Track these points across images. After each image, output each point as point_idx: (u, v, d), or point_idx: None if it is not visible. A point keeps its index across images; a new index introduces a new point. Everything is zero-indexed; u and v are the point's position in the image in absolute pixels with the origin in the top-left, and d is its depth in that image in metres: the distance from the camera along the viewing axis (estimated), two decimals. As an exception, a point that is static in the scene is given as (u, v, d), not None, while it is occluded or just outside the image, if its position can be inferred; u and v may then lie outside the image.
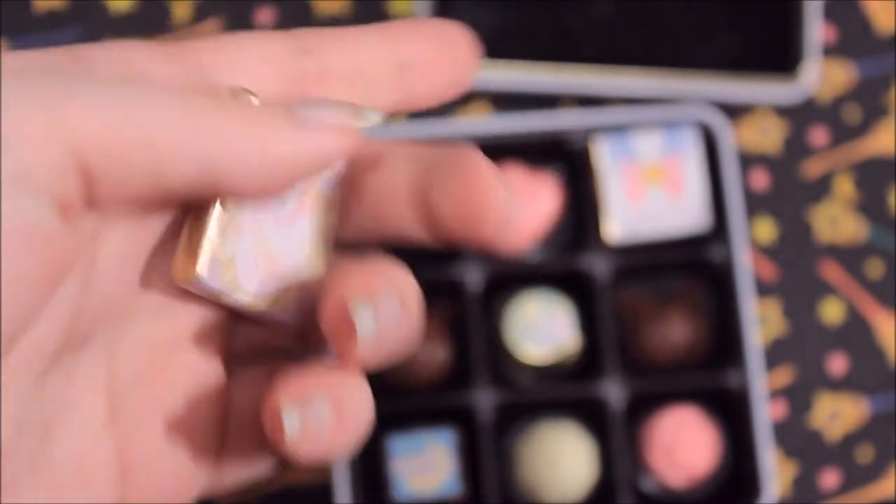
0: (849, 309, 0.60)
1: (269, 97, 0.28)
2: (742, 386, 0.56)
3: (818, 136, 0.60)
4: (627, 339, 0.58)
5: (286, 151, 0.26)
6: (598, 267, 0.56)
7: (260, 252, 0.28)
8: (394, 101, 0.29)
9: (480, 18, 0.58)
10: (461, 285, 0.56)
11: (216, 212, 0.27)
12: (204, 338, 0.29)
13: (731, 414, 0.57)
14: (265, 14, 0.62)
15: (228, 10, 0.62)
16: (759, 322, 0.59)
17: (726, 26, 0.58)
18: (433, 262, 0.57)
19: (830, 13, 0.61)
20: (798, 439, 0.59)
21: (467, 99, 0.59)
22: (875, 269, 0.60)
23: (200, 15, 0.62)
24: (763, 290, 0.59)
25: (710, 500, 0.57)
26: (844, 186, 0.60)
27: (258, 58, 0.28)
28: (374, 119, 0.28)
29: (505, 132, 0.57)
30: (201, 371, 0.29)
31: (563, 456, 0.56)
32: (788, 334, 0.59)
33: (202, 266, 0.27)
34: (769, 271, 0.60)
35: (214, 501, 0.58)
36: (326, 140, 0.27)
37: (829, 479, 0.59)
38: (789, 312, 0.59)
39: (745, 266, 0.56)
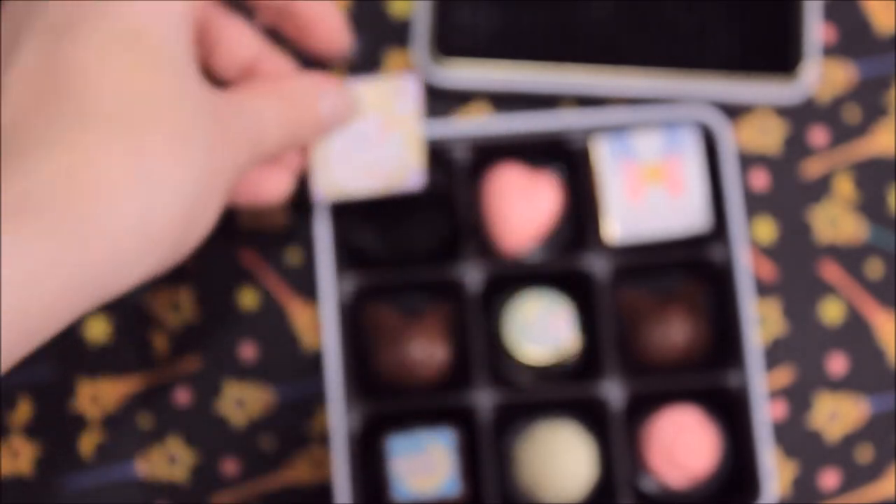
0: (849, 309, 0.60)
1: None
2: (742, 386, 0.56)
3: (818, 136, 0.60)
4: (627, 339, 0.58)
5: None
6: (598, 267, 0.56)
7: (359, 166, 0.51)
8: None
9: (480, 18, 0.58)
10: (461, 286, 0.56)
11: (313, 157, 0.51)
12: None
13: (731, 414, 0.57)
14: (265, 14, 0.62)
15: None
16: (759, 322, 0.59)
17: (726, 26, 0.58)
18: (433, 263, 0.57)
19: (830, 13, 0.61)
20: (798, 439, 0.59)
21: (467, 99, 0.59)
22: (875, 269, 0.60)
23: (200, 15, 0.62)
24: (763, 290, 0.59)
25: (710, 500, 0.57)
26: (844, 186, 0.60)
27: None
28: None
29: (505, 132, 0.57)
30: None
31: (562, 456, 0.56)
32: (788, 334, 0.59)
33: (313, 193, 0.52)
34: (769, 271, 0.60)
35: None
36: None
37: (829, 479, 0.59)
38: (789, 312, 0.59)
39: (745, 266, 0.56)
